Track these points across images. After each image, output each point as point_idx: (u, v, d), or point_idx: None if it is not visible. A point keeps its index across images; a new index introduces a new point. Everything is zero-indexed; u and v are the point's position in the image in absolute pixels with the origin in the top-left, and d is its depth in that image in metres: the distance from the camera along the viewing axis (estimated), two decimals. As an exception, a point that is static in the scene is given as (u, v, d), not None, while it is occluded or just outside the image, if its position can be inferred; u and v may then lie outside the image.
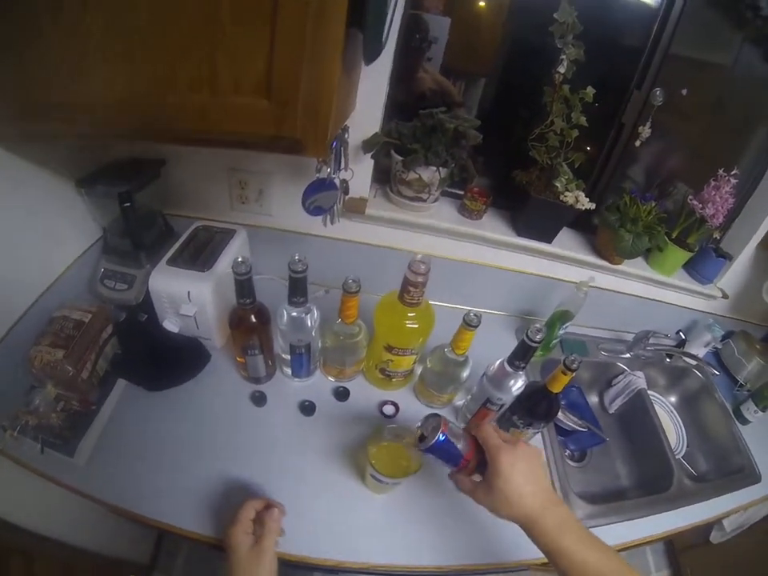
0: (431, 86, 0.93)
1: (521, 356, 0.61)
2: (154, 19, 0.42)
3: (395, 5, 0.64)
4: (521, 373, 0.64)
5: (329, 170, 0.65)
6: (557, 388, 0.62)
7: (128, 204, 0.79)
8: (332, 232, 0.87)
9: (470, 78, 0.98)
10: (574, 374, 0.59)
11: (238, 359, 0.76)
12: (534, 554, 0.49)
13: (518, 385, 0.64)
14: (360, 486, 0.67)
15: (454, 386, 0.72)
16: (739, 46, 0.99)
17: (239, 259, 0.62)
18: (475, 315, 0.62)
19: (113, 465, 0.64)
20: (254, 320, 0.69)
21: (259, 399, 0.76)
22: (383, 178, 0.91)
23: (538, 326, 0.58)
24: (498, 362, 0.66)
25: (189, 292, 0.75)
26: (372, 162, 0.80)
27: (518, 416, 0.68)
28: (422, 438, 0.51)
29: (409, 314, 0.65)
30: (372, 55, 0.54)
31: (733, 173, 0.90)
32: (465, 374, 0.70)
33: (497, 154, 0.97)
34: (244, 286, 0.64)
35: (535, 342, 0.58)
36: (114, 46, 0.43)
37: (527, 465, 0.47)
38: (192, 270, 0.75)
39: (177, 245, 0.80)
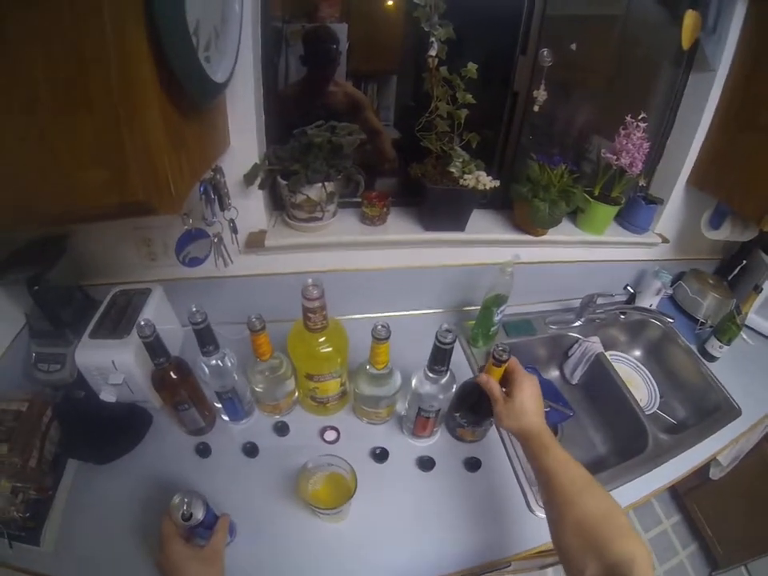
0: (341, 98, 0.93)
1: (439, 360, 0.61)
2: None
3: (239, 36, 0.64)
4: (445, 376, 0.63)
5: (191, 221, 0.64)
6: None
7: (36, 288, 0.79)
8: (242, 270, 0.88)
9: (381, 79, 0.98)
10: (507, 363, 0.60)
11: (173, 417, 0.76)
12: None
13: (445, 388, 0.63)
14: (317, 519, 0.67)
15: (386, 400, 0.71)
16: None
17: (141, 323, 0.63)
18: (383, 326, 0.61)
19: (80, 545, 0.65)
20: (174, 377, 0.70)
21: (203, 451, 0.76)
22: (281, 204, 0.90)
23: (446, 326, 0.58)
24: (420, 372, 0.65)
25: (113, 361, 0.75)
26: (261, 193, 0.79)
27: (460, 415, 0.67)
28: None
29: (319, 340, 0.65)
30: (200, 92, 0.53)
31: (641, 117, 0.90)
32: (393, 386, 0.69)
33: (406, 153, 0.98)
34: (152, 347, 0.65)
35: (447, 344, 0.58)
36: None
37: (539, 392, 0.61)
38: (113, 339, 0.76)
39: (96, 316, 0.80)
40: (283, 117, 0.84)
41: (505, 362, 0.58)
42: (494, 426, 0.81)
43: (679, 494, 1.60)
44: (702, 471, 1.32)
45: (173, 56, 0.45)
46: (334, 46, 0.88)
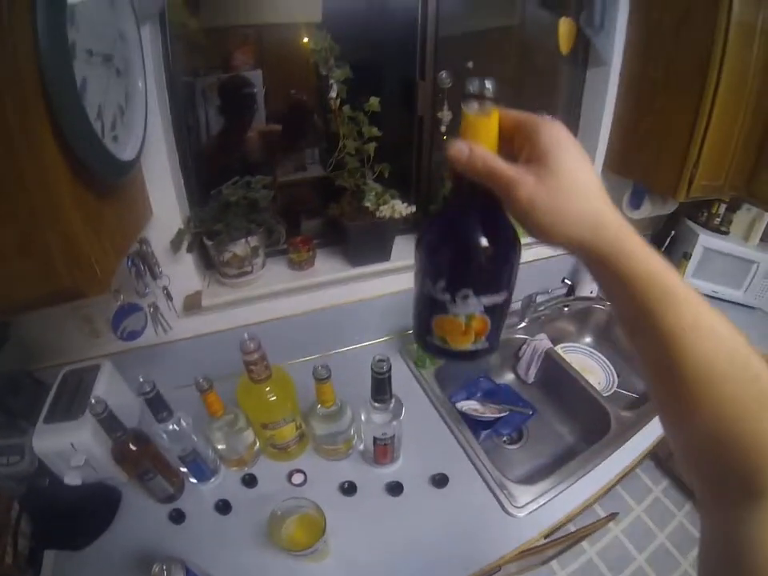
0: (259, 144, 0.97)
1: (381, 390, 0.64)
2: None
3: (145, 109, 0.66)
4: (391, 402, 0.65)
5: (122, 297, 0.66)
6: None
7: (-15, 382, 0.78)
8: (185, 333, 0.90)
9: (300, 120, 1.02)
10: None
11: (141, 487, 0.76)
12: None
13: (394, 414, 0.66)
14: (300, 562, 0.68)
15: (342, 435, 0.74)
16: (521, 5, 1.06)
17: (92, 401, 0.64)
18: (322, 367, 0.64)
19: None
20: (133, 448, 0.71)
21: (177, 517, 0.76)
22: (212, 264, 0.93)
23: (379, 356, 0.61)
24: (367, 404, 0.67)
25: (72, 443, 0.75)
26: (191, 256, 0.82)
27: (447, 283, 0.32)
28: None
29: (266, 389, 0.67)
30: (109, 173, 0.55)
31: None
32: (346, 421, 0.72)
33: (331, 191, 1.01)
34: (107, 423, 0.67)
35: (383, 373, 0.61)
36: None
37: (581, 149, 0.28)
38: (68, 421, 0.77)
39: (49, 399, 0.81)
40: (209, 172, 0.87)
41: (490, 99, 0.27)
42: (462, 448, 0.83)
43: (662, 459, 1.66)
44: None
45: (77, 145, 0.48)
46: (249, 93, 0.92)
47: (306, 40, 0.92)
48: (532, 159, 0.26)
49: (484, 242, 0.28)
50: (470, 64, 0.95)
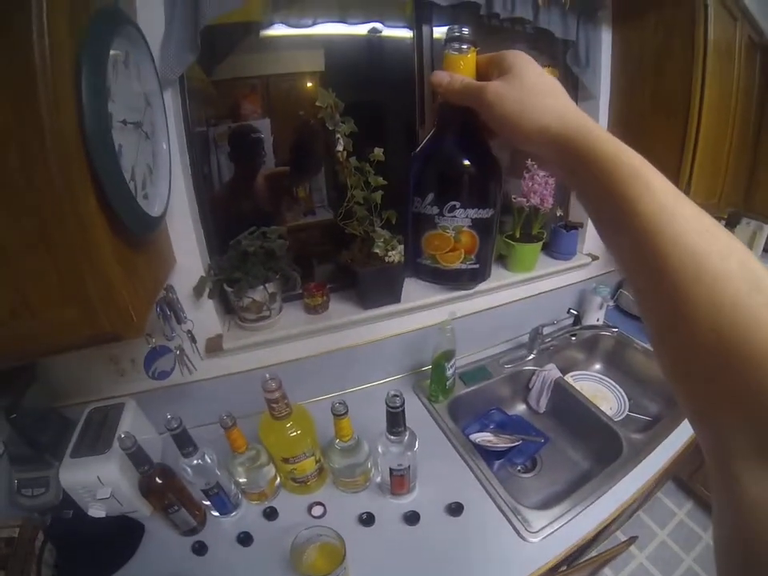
0: (268, 188, 1.02)
1: (395, 423, 0.67)
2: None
3: (170, 167, 0.71)
4: (406, 435, 0.69)
5: (153, 339, 0.71)
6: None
7: (14, 415, 0.82)
8: (207, 373, 0.94)
9: (308, 165, 1.07)
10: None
11: (165, 520, 0.79)
12: None
13: (409, 446, 0.69)
14: None
15: (360, 468, 0.77)
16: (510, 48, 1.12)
17: (122, 436, 0.68)
18: (340, 403, 0.68)
19: None
20: (159, 482, 0.74)
21: (200, 549, 0.79)
22: (231, 308, 0.97)
23: (392, 392, 0.65)
24: (383, 437, 0.71)
25: (98, 477, 0.78)
26: (212, 301, 0.87)
27: (435, 196, 0.35)
28: None
29: (286, 425, 0.71)
30: (142, 229, 0.60)
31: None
32: (363, 454, 0.75)
33: (342, 235, 1.05)
34: (135, 457, 0.70)
35: (396, 407, 0.64)
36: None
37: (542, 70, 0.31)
38: (95, 455, 0.80)
39: (75, 434, 0.84)
40: (224, 219, 0.92)
41: (467, 41, 0.31)
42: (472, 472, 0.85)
43: (684, 481, 1.64)
44: (698, 452, 1.39)
45: (116, 204, 0.53)
46: (257, 140, 0.98)
47: (312, 90, 0.98)
48: (501, 75, 0.30)
49: (467, 157, 0.32)
50: None
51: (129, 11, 0.67)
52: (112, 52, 0.53)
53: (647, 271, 0.24)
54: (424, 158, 0.34)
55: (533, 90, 0.29)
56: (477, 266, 0.34)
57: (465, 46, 0.31)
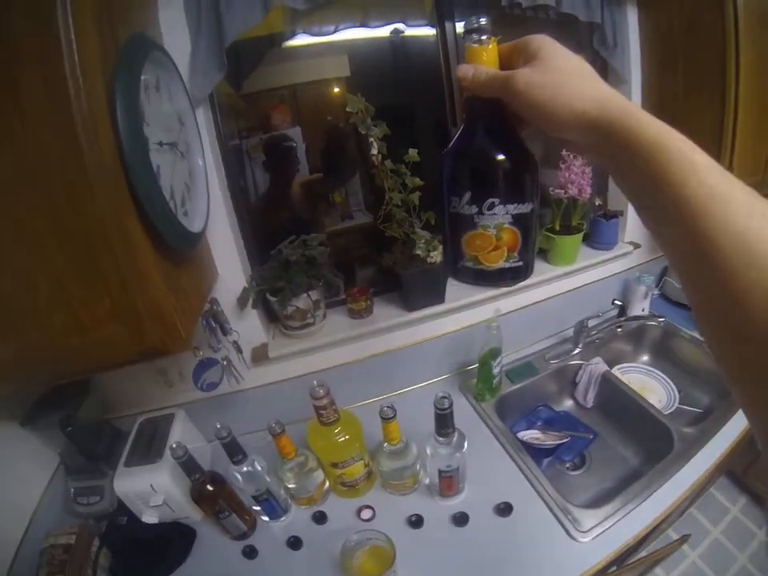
0: (304, 195, 1.03)
1: (443, 424, 0.67)
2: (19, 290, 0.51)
3: (206, 182, 0.73)
4: (454, 436, 0.69)
5: (201, 352, 0.73)
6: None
7: (69, 428, 0.86)
8: (253, 382, 0.96)
9: (343, 170, 1.08)
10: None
11: (216, 525, 0.81)
12: None
13: (457, 447, 0.69)
14: None
15: (409, 470, 0.77)
16: None
17: (173, 445, 0.70)
18: (388, 407, 0.68)
19: None
20: (210, 488, 0.76)
21: (250, 553, 0.81)
22: (275, 317, 0.98)
23: (441, 393, 0.65)
24: (431, 438, 0.71)
25: (151, 485, 0.81)
26: (256, 311, 0.89)
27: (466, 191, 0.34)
28: None
29: (335, 431, 0.71)
30: (183, 246, 0.62)
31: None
32: (412, 457, 0.75)
33: (381, 238, 1.06)
34: (187, 465, 0.72)
35: (445, 409, 0.64)
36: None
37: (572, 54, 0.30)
38: (147, 464, 0.83)
39: (128, 445, 0.88)
40: (263, 229, 0.94)
41: (486, 31, 0.31)
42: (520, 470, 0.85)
43: (738, 475, 1.57)
44: (752, 445, 1.33)
45: (159, 224, 0.55)
46: (290, 149, 1.00)
47: (339, 95, 0.98)
48: (528, 61, 0.29)
49: (500, 150, 0.31)
50: None
51: (155, 36, 0.70)
52: (143, 77, 0.55)
53: (696, 258, 0.22)
54: (456, 155, 0.33)
55: (564, 74, 0.28)
56: (520, 263, 0.33)
57: (484, 37, 0.30)
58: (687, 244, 0.23)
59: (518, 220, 0.31)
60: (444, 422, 0.66)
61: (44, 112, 0.44)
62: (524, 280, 0.35)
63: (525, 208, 0.31)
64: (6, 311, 0.51)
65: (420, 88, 0.99)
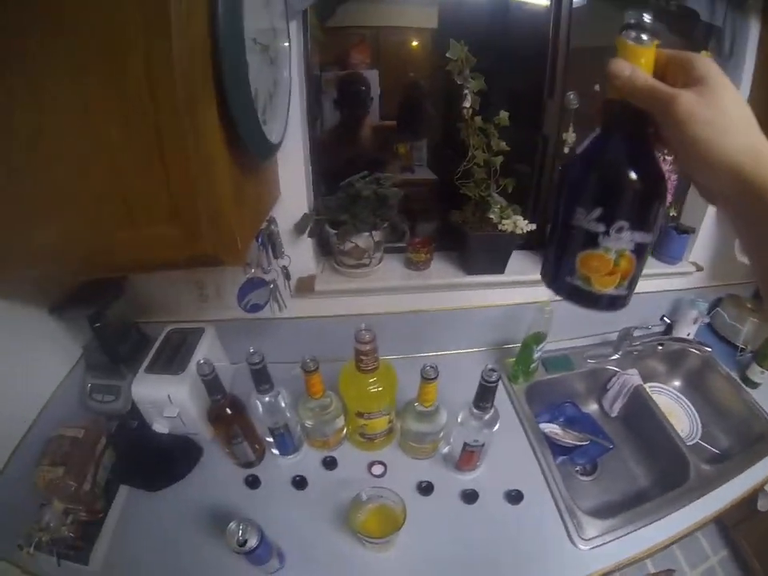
0: (371, 139, 1.00)
1: (485, 398, 0.65)
2: (72, 177, 0.48)
3: (288, 98, 0.70)
4: (490, 412, 0.67)
5: (252, 270, 0.70)
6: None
7: (98, 324, 0.85)
8: (293, 312, 0.93)
9: (412, 122, 1.03)
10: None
11: (226, 449, 0.81)
12: None
13: (489, 424, 0.67)
14: (366, 549, 0.71)
15: (432, 436, 0.76)
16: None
17: (201, 361, 0.69)
18: (431, 367, 0.66)
19: (127, 567, 0.70)
20: (229, 412, 0.75)
21: (253, 483, 0.81)
22: (329, 250, 0.96)
23: (490, 366, 0.62)
24: (466, 408, 0.69)
25: (168, 395, 0.81)
26: (310, 240, 0.86)
27: (588, 206, 0.30)
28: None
29: (370, 380, 0.70)
30: (261, 153, 0.59)
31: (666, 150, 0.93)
32: (440, 423, 0.73)
33: (444, 196, 1.03)
34: (211, 384, 0.71)
35: (492, 383, 0.62)
36: (46, 205, 0.50)
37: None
38: (168, 374, 0.82)
39: (152, 352, 0.87)
40: (326, 164, 0.90)
41: (648, 30, 0.27)
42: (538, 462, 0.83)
43: (727, 527, 1.56)
44: (750, 503, 1.31)
45: (240, 122, 0.51)
46: (365, 90, 0.96)
47: (421, 48, 0.93)
48: (689, 84, 0.26)
49: (637, 169, 0.28)
50: (597, 87, 0.93)
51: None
52: None
53: None
54: (587, 162, 0.30)
55: (729, 117, 0.25)
56: (625, 292, 0.32)
57: (646, 37, 0.27)
58: None
59: (639, 249, 0.29)
60: (486, 396, 0.64)
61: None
62: (620, 309, 0.34)
63: (648, 238, 0.29)
64: (55, 193, 0.48)
65: (517, 55, 0.93)
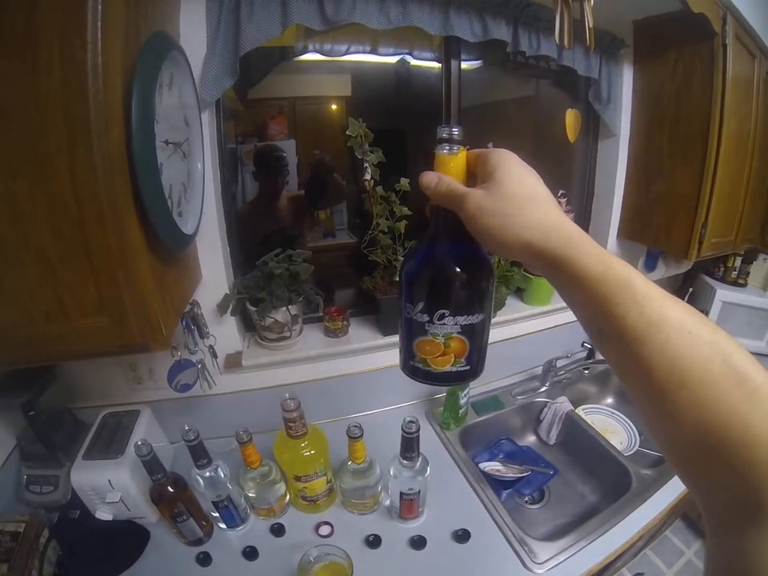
0: (290, 209, 1.04)
1: (409, 448, 0.69)
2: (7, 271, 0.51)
3: (203, 188, 0.74)
4: (418, 460, 0.70)
5: (179, 353, 0.72)
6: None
7: (32, 413, 0.84)
8: (224, 388, 0.96)
9: (330, 188, 1.09)
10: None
11: (173, 529, 0.79)
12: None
13: (420, 471, 0.70)
14: None
15: (371, 490, 0.79)
16: (535, 82, 1.16)
17: (139, 443, 0.70)
18: (356, 426, 0.69)
19: None
20: (171, 490, 0.76)
21: (204, 560, 0.80)
22: (252, 326, 0.99)
23: (409, 418, 0.66)
24: (395, 460, 0.72)
25: (109, 480, 0.80)
26: (234, 318, 0.90)
27: (424, 305, 0.34)
28: None
29: (302, 444, 0.73)
30: (177, 246, 0.62)
31: (560, 193, 1.04)
32: (375, 477, 0.77)
33: (363, 259, 1.08)
34: (151, 464, 0.72)
35: (412, 433, 0.66)
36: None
37: (531, 170, 0.31)
38: (107, 459, 0.82)
39: (89, 437, 0.87)
40: (248, 238, 0.95)
41: (458, 142, 0.32)
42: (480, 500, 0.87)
43: (693, 520, 1.63)
44: None
45: (155, 219, 0.56)
46: (282, 160, 1.01)
47: (336, 113, 1.00)
48: (484, 180, 0.30)
49: (457, 265, 0.32)
50: (490, 144, 1.04)
51: (174, 34, 0.71)
52: (159, 75, 0.56)
53: (635, 376, 0.26)
54: (419, 259, 0.35)
55: (514, 200, 0.29)
56: (467, 367, 0.35)
57: (455, 148, 0.32)
58: (627, 362, 0.26)
59: (467, 330, 0.33)
60: (410, 446, 0.68)
61: (59, 96, 0.44)
62: (471, 381, 0.37)
63: (474, 319, 0.33)
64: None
65: (417, 117, 1.03)
